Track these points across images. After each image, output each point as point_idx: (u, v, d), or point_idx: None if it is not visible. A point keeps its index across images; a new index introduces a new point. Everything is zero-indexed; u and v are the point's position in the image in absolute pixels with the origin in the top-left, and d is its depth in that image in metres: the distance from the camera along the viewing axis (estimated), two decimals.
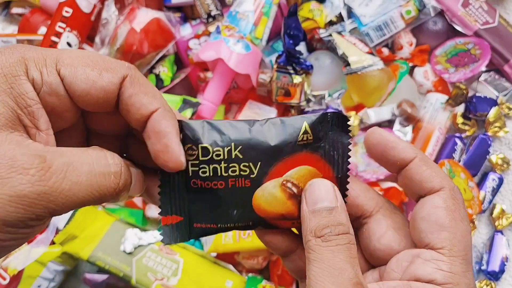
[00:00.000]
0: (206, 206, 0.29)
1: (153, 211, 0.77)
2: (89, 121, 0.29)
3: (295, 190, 0.28)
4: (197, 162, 0.28)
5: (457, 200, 0.28)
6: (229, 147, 0.28)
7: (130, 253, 0.70)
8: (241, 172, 0.28)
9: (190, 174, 0.28)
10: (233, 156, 0.28)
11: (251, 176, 0.28)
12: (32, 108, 0.23)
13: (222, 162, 0.28)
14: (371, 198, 0.30)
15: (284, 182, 0.28)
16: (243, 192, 0.28)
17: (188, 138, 0.28)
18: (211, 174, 0.28)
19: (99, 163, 0.24)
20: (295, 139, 0.28)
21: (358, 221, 0.31)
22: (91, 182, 0.23)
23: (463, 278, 0.25)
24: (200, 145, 0.28)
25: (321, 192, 0.27)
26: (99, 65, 0.25)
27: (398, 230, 0.29)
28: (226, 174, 0.28)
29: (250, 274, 0.72)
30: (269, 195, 0.28)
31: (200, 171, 0.28)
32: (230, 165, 0.28)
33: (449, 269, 0.26)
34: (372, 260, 0.31)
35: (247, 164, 0.28)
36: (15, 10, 0.90)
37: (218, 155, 0.28)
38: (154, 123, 0.26)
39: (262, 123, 0.28)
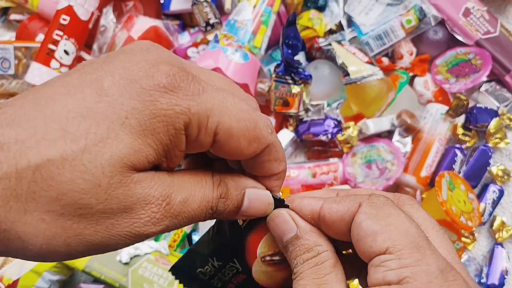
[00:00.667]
0: None
1: None
2: None
3: (277, 258, 0.29)
4: (208, 280, 0.32)
5: (375, 203, 0.26)
6: (209, 262, 0.31)
7: (126, 263, 0.69)
8: (232, 272, 0.31)
9: None
10: (217, 266, 0.31)
11: (239, 270, 0.31)
12: (176, 157, 0.25)
13: (218, 272, 0.31)
14: (346, 201, 0.28)
15: (263, 260, 0.29)
16: (247, 284, 0.31)
17: (188, 276, 0.32)
18: (220, 284, 0.32)
19: (207, 200, 0.26)
20: (238, 224, 0.30)
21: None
22: (195, 217, 0.25)
23: (419, 266, 0.23)
24: (198, 272, 0.31)
25: (279, 225, 0.28)
26: (250, 133, 0.25)
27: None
28: (227, 278, 0.31)
29: None
30: (265, 273, 0.30)
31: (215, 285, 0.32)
32: (222, 271, 0.31)
33: (398, 265, 0.23)
34: None
35: (228, 265, 0.31)
36: (13, 16, 0.90)
37: (210, 271, 0.31)
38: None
39: (214, 226, 0.31)
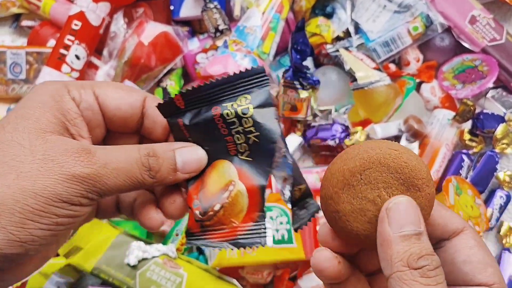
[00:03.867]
0: None
1: None
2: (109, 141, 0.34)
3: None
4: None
5: (478, 235, 0.28)
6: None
7: (134, 266, 0.69)
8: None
9: None
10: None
11: None
12: (77, 120, 0.29)
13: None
14: (453, 217, 0.29)
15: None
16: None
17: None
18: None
19: (133, 156, 0.28)
20: None
21: (439, 243, 0.29)
22: (127, 170, 0.28)
23: None
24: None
25: (404, 212, 0.25)
26: (126, 88, 0.31)
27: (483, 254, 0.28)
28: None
29: None
30: None
31: None
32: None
33: None
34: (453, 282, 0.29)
35: None
36: (25, 22, 0.91)
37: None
38: None
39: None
